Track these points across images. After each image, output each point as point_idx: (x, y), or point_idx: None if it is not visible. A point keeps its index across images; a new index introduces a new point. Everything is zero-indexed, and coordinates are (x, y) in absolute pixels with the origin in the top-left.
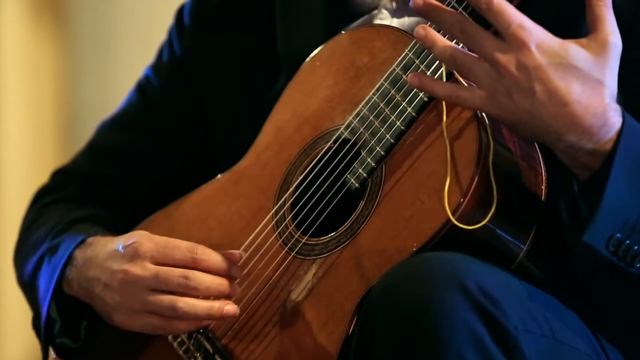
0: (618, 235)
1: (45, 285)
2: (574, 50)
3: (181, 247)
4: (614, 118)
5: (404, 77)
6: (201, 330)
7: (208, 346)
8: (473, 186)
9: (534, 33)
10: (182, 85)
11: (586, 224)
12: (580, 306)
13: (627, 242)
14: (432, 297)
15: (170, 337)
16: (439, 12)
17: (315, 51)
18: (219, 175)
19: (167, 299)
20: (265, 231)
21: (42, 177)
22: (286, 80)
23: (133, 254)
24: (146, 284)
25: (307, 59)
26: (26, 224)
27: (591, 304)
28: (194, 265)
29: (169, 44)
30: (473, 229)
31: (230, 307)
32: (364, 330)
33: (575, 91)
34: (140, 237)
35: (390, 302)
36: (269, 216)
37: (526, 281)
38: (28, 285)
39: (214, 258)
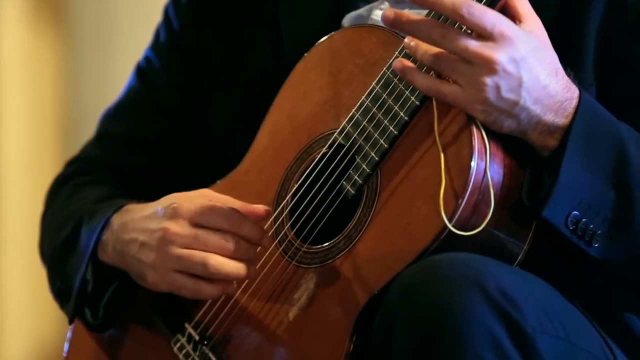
0: (575, 212)
1: (84, 246)
2: (532, 35)
3: (220, 213)
4: (576, 91)
5: (395, 80)
6: (205, 342)
7: (213, 357)
8: (468, 192)
9: (512, 27)
10: (182, 63)
11: (545, 199)
12: (583, 304)
13: (584, 220)
14: (452, 298)
15: (175, 349)
16: (413, 22)
17: (307, 53)
18: (218, 182)
19: (199, 254)
20: None
21: (42, 177)
22: (291, 60)
23: (173, 214)
24: (184, 242)
25: (300, 61)
26: (61, 198)
27: (592, 300)
28: (233, 231)
29: (166, 20)
30: (471, 235)
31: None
32: (381, 329)
33: (549, 71)
34: (180, 199)
35: (409, 302)
36: (268, 224)
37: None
38: (59, 252)
39: (250, 225)
